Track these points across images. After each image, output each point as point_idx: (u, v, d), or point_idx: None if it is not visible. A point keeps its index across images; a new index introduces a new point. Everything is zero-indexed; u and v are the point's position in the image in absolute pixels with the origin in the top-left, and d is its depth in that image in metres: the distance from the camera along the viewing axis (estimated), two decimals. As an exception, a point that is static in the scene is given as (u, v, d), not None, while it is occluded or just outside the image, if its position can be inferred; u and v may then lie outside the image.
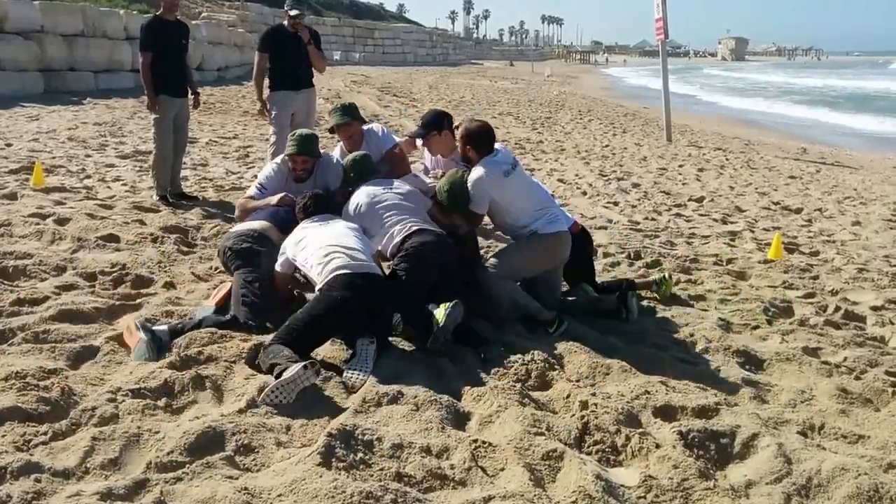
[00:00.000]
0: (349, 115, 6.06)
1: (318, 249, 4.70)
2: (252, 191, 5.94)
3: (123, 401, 3.72)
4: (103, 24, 21.66)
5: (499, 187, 5.28)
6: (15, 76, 18.08)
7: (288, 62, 8.68)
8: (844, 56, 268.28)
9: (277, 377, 3.86)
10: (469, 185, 5.27)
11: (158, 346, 4.41)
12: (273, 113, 8.76)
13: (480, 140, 5.40)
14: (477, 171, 5.27)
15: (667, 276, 6.27)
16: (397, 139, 6.31)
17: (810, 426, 3.94)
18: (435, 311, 4.59)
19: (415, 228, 5.15)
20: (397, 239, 5.12)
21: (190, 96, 8.94)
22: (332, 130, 6.23)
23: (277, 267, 5.04)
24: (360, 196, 5.40)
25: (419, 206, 5.43)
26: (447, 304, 4.58)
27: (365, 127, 6.20)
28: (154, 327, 4.56)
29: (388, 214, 5.25)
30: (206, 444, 3.35)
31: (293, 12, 8.54)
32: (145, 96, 8.56)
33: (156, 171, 8.59)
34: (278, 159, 6.09)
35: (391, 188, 5.46)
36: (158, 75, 8.42)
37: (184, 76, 8.77)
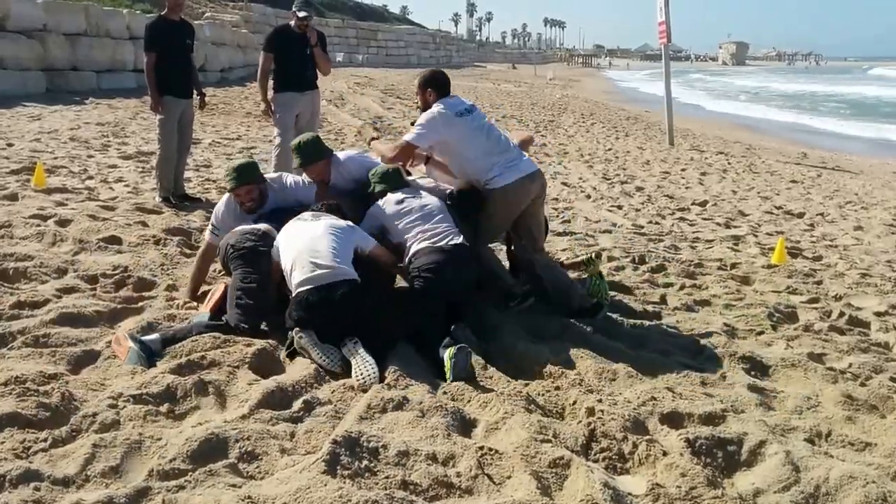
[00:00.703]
0: (310, 157, 5.70)
1: (288, 255, 4.74)
2: (207, 235, 5.62)
3: (125, 407, 3.67)
4: (106, 24, 21.58)
5: (449, 125, 5.39)
6: (17, 75, 18.00)
7: (293, 63, 8.63)
8: (843, 61, 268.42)
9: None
10: (421, 118, 5.46)
11: (148, 354, 4.33)
12: (277, 115, 8.72)
13: (438, 84, 5.59)
14: (432, 109, 5.44)
15: (593, 256, 6.27)
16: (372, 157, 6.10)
17: (817, 433, 3.89)
18: (444, 356, 4.42)
19: (424, 246, 5.07)
20: (410, 252, 5.12)
21: (195, 97, 8.88)
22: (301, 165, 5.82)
23: (273, 256, 4.99)
24: (388, 200, 5.40)
25: (445, 215, 5.37)
26: (452, 350, 4.39)
27: (341, 155, 5.95)
28: (144, 337, 4.48)
29: (408, 221, 5.23)
30: (209, 451, 3.30)
31: (301, 14, 8.49)
32: (148, 97, 8.52)
33: (159, 172, 8.56)
34: (225, 196, 5.63)
35: (418, 196, 5.44)
36: (163, 76, 8.38)
37: (189, 77, 8.73)
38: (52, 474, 3.08)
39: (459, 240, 5.14)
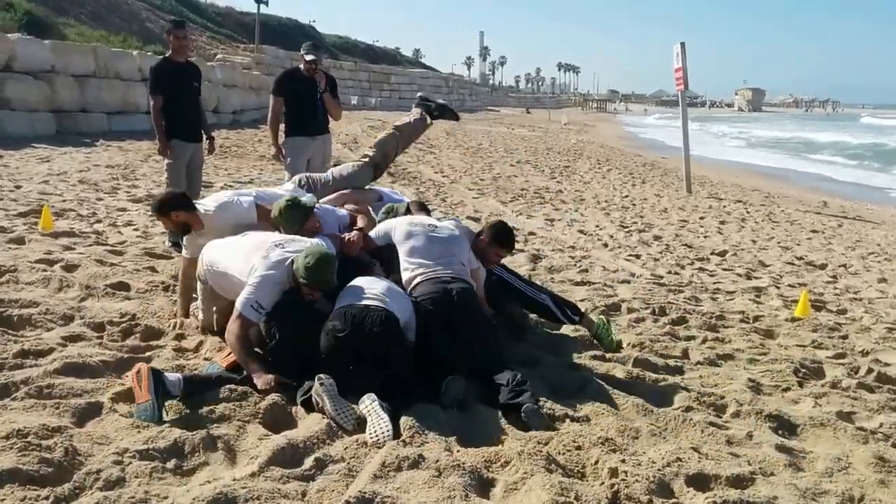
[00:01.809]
0: (297, 221, 5.60)
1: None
2: (250, 313, 4.84)
3: (130, 463, 3.61)
4: (116, 65, 21.81)
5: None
6: (25, 116, 18.16)
7: (303, 107, 8.66)
8: (860, 108, 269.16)
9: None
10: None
11: (160, 414, 4.21)
12: (288, 160, 8.73)
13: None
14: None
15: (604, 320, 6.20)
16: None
17: (849, 497, 3.80)
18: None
19: (420, 279, 5.23)
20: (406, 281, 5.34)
21: (205, 141, 8.90)
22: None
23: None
24: (401, 223, 5.67)
25: (453, 249, 5.49)
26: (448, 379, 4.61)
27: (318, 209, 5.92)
28: (168, 375, 4.42)
29: (411, 250, 5.46)
30: (218, 511, 3.24)
31: (309, 57, 8.53)
32: (158, 139, 8.53)
33: None
34: (274, 270, 4.92)
35: (432, 228, 5.60)
36: (170, 119, 8.39)
37: (197, 119, 8.73)
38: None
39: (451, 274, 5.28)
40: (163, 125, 8.39)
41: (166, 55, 8.84)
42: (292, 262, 4.87)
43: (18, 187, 11.44)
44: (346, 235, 5.64)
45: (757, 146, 51.86)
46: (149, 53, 25.29)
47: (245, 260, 5.02)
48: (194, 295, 5.83)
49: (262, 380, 4.53)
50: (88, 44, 22.29)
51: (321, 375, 4.34)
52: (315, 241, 5.21)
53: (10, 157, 14.74)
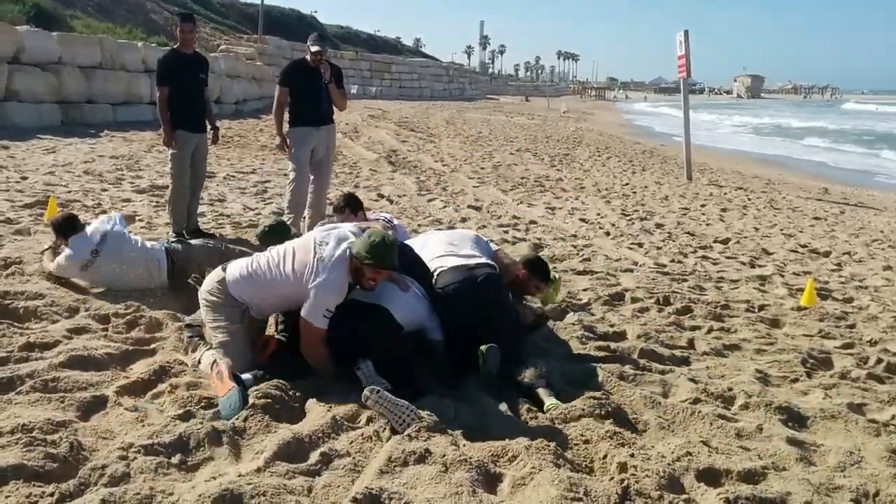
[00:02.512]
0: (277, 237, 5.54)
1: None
2: (323, 323, 4.58)
3: (135, 458, 3.52)
4: (121, 57, 21.77)
5: None
6: (32, 108, 18.11)
7: (309, 98, 8.57)
8: (861, 94, 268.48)
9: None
10: None
11: (245, 396, 4.21)
12: (292, 149, 8.65)
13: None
14: None
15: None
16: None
17: (864, 493, 3.69)
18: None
19: (442, 269, 5.23)
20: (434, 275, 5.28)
21: (209, 131, 8.83)
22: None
23: None
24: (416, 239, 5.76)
25: (470, 240, 5.63)
26: (484, 348, 4.69)
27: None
28: (243, 375, 4.42)
29: (430, 251, 5.52)
30: (223, 508, 3.16)
31: (314, 48, 8.43)
32: (163, 130, 8.47)
33: (172, 207, 8.50)
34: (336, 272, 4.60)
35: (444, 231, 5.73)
36: (176, 110, 8.33)
37: (202, 110, 8.67)
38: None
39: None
40: (168, 116, 8.32)
41: (174, 47, 8.81)
42: (348, 250, 4.61)
43: (24, 178, 11.36)
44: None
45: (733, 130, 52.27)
46: (153, 45, 25.19)
47: (295, 261, 4.66)
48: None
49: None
50: (95, 35, 22.21)
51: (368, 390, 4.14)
52: (365, 225, 5.09)
53: (17, 147, 14.67)
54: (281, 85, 8.73)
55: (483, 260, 5.39)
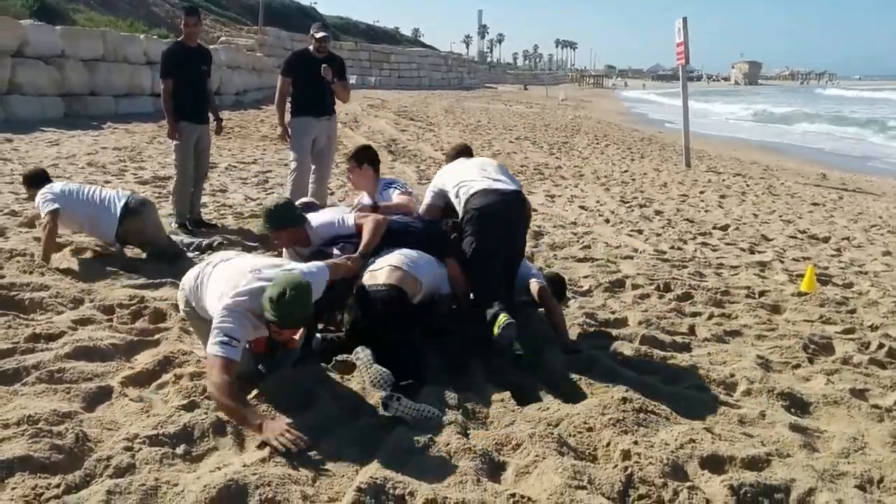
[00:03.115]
0: (277, 224, 5.21)
1: None
2: (230, 353, 3.88)
3: (140, 449, 3.48)
4: (124, 49, 21.67)
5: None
6: (35, 101, 18.05)
7: (311, 88, 8.53)
8: (857, 80, 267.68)
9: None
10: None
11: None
12: (294, 139, 8.61)
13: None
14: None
15: None
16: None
17: (868, 479, 3.67)
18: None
19: (475, 190, 5.22)
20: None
21: (212, 122, 8.83)
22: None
23: None
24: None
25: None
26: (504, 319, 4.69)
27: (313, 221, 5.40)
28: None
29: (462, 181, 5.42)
30: (228, 498, 3.13)
31: (319, 35, 8.44)
32: (165, 121, 8.44)
33: (175, 197, 8.50)
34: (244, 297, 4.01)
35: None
36: (179, 102, 8.32)
37: (205, 102, 8.66)
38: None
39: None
40: (172, 108, 8.31)
41: (178, 40, 8.78)
42: (264, 290, 3.96)
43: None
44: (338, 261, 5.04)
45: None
46: (155, 37, 25.10)
47: (221, 289, 4.15)
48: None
49: (271, 430, 3.65)
50: (97, 29, 22.12)
51: (386, 397, 4.04)
52: (295, 267, 4.33)
53: (21, 140, 14.61)
54: (284, 75, 8.69)
55: (512, 186, 5.37)
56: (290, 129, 8.67)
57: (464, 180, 5.34)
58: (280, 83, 8.72)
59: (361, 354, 4.49)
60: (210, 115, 8.78)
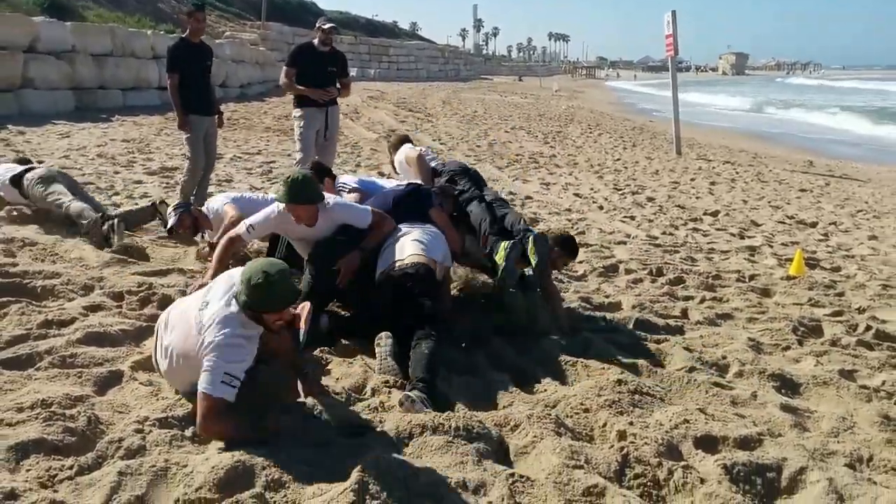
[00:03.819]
0: (296, 199, 4.93)
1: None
2: (225, 392, 3.53)
3: (150, 431, 3.46)
4: (131, 44, 21.62)
5: None
6: (47, 94, 17.97)
7: (315, 82, 8.49)
8: (841, 70, 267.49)
9: None
10: None
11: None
12: (299, 130, 8.58)
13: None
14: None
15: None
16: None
17: (858, 458, 3.64)
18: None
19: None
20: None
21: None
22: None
23: None
24: None
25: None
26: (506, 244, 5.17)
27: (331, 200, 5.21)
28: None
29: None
30: (236, 479, 3.09)
31: (327, 26, 8.42)
32: (171, 113, 8.45)
33: (182, 186, 8.53)
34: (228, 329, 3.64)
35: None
36: (186, 95, 8.33)
37: (210, 95, 8.68)
38: (76, 506, 2.90)
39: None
40: (180, 101, 8.33)
41: (182, 35, 8.78)
42: (233, 300, 3.69)
43: (41, 162, 11.23)
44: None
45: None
46: (161, 32, 24.96)
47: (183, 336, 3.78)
48: None
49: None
50: (106, 25, 22.06)
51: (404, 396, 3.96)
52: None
53: (33, 133, 14.54)
54: (289, 66, 8.64)
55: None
56: (295, 119, 8.65)
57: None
58: (285, 72, 8.66)
59: (383, 343, 4.47)
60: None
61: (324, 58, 8.43)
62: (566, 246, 5.66)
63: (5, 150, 11.61)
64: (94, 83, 19.86)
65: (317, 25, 8.56)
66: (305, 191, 4.87)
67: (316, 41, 8.54)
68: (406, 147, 6.67)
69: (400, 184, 6.06)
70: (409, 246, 4.98)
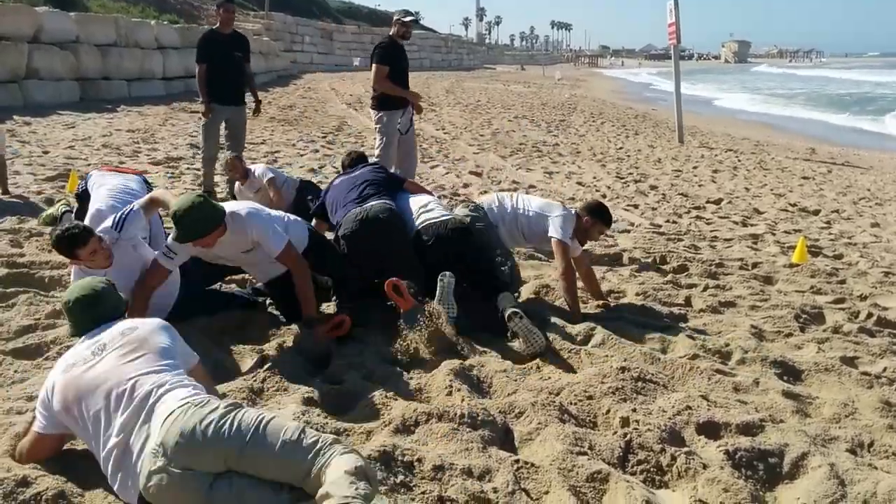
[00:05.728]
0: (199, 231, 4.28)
1: None
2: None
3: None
4: (135, 35, 21.62)
5: None
6: (52, 85, 17.99)
7: (402, 79, 8.57)
8: (843, 57, 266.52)
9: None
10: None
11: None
12: (384, 126, 8.48)
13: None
14: None
15: None
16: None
17: (859, 443, 3.65)
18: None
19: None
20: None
21: (251, 103, 9.25)
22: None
23: None
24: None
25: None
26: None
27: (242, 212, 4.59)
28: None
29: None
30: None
31: (408, 18, 8.53)
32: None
33: (204, 178, 9.10)
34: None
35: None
36: (210, 84, 8.68)
37: (237, 85, 8.94)
38: (83, 494, 2.94)
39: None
40: (206, 90, 8.68)
41: (213, 27, 9.21)
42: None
43: (46, 152, 11.29)
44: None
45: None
46: (165, 23, 24.93)
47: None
48: None
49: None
50: (110, 15, 22.02)
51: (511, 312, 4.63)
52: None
53: (38, 123, 14.56)
54: (381, 63, 8.40)
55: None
56: (378, 121, 8.54)
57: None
58: (377, 70, 8.40)
59: (446, 281, 4.75)
60: (251, 95, 9.19)
61: (403, 53, 8.54)
62: (596, 213, 5.57)
63: (11, 141, 11.62)
64: (99, 74, 19.88)
65: (395, 18, 8.54)
66: (197, 225, 4.22)
67: (393, 31, 8.53)
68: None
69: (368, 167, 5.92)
70: (437, 209, 5.32)
